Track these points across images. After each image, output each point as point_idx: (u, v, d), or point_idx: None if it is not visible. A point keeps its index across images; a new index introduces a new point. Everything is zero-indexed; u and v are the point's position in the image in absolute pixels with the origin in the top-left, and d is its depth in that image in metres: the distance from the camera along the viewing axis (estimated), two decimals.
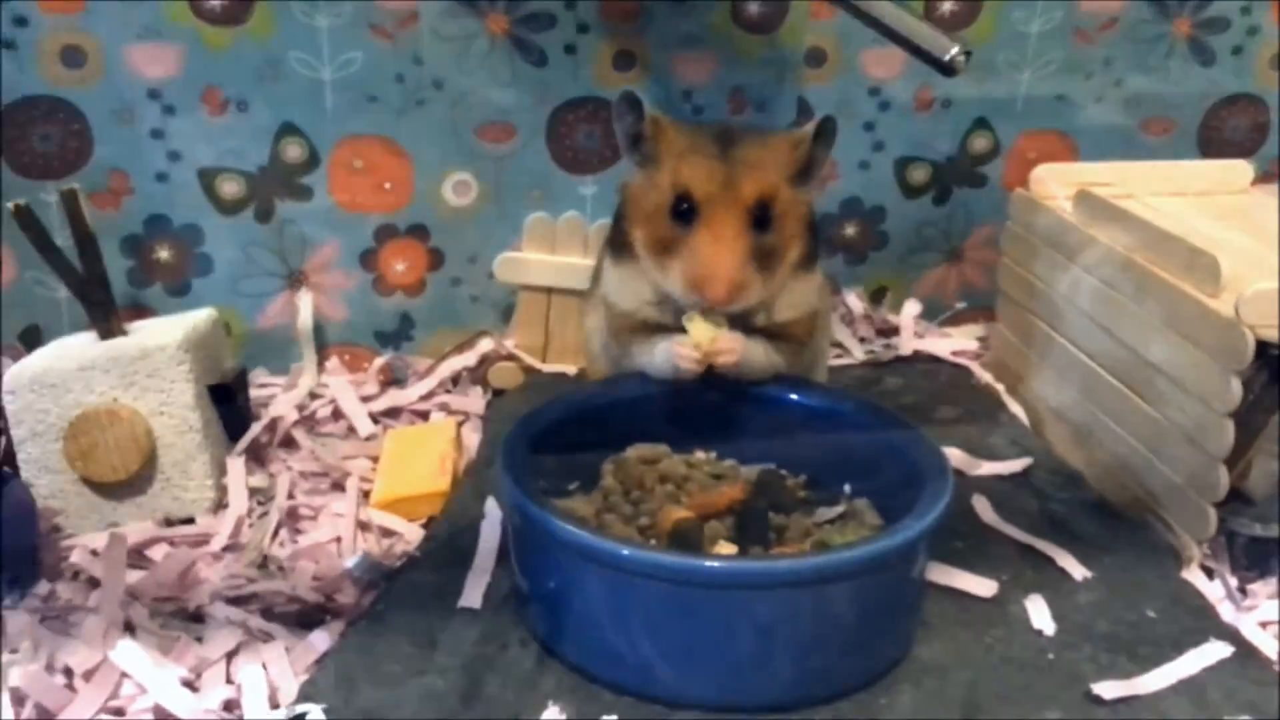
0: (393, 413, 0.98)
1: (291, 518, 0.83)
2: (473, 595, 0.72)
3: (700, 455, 0.79)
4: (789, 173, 0.76)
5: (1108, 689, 0.65)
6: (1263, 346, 0.74)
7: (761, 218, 0.74)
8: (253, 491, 0.85)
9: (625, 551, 0.60)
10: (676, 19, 1.02)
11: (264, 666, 0.67)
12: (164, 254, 1.02)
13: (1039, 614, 0.71)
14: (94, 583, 0.74)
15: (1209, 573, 0.77)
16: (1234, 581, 0.76)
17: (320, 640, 0.69)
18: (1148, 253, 0.83)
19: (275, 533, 0.80)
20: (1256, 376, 0.78)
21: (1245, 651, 0.69)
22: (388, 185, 1.03)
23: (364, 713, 0.62)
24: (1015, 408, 0.97)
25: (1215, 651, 0.68)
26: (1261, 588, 0.76)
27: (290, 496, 0.85)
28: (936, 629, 0.70)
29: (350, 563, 0.72)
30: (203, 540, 0.80)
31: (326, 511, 0.83)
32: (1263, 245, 0.84)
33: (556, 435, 0.74)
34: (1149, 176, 0.97)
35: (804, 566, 0.61)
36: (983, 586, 0.73)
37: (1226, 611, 0.73)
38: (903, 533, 0.63)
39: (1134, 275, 0.83)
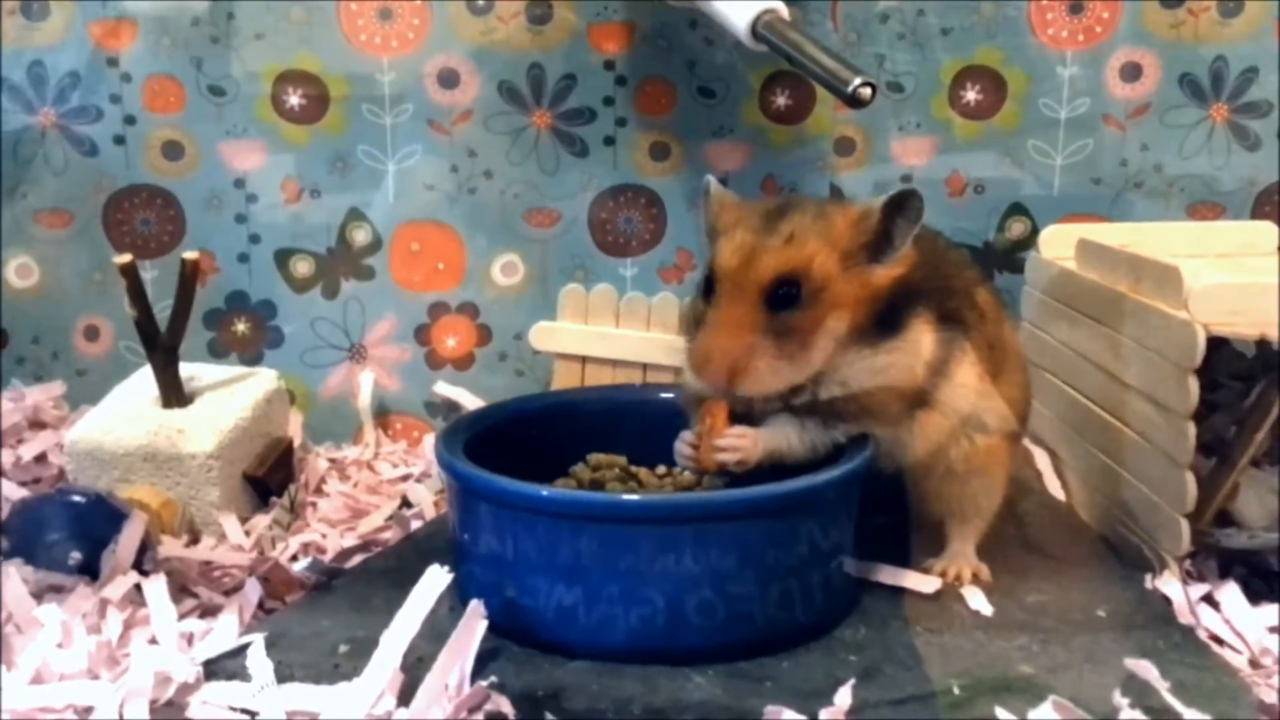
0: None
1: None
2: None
3: (661, 469, 0.81)
4: (846, 247, 0.71)
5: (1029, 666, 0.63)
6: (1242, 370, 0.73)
7: (785, 296, 0.69)
8: (273, 525, 0.92)
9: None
10: (707, 111, 1.10)
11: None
12: (241, 327, 1.13)
13: (978, 602, 0.70)
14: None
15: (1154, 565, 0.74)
16: (1204, 588, 0.73)
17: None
18: (1126, 280, 0.83)
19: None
20: (1237, 400, 0.77)
21: (1193, 643, 0.65)
22: (441, 266, 1.12)
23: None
24: None
25: (1158, 642, 0.65)
26: (1227, 596, 0.72)
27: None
28: (869, 617, 0.70)
29: (302, 565, 0.76)
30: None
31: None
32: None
33: (517, 436, 0.78)
34: (1168, 237, 0.97)
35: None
36: (926, 584, 0.72)
37: (1186, 614, 0.70)
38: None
39: (1113, 303, 0.83)
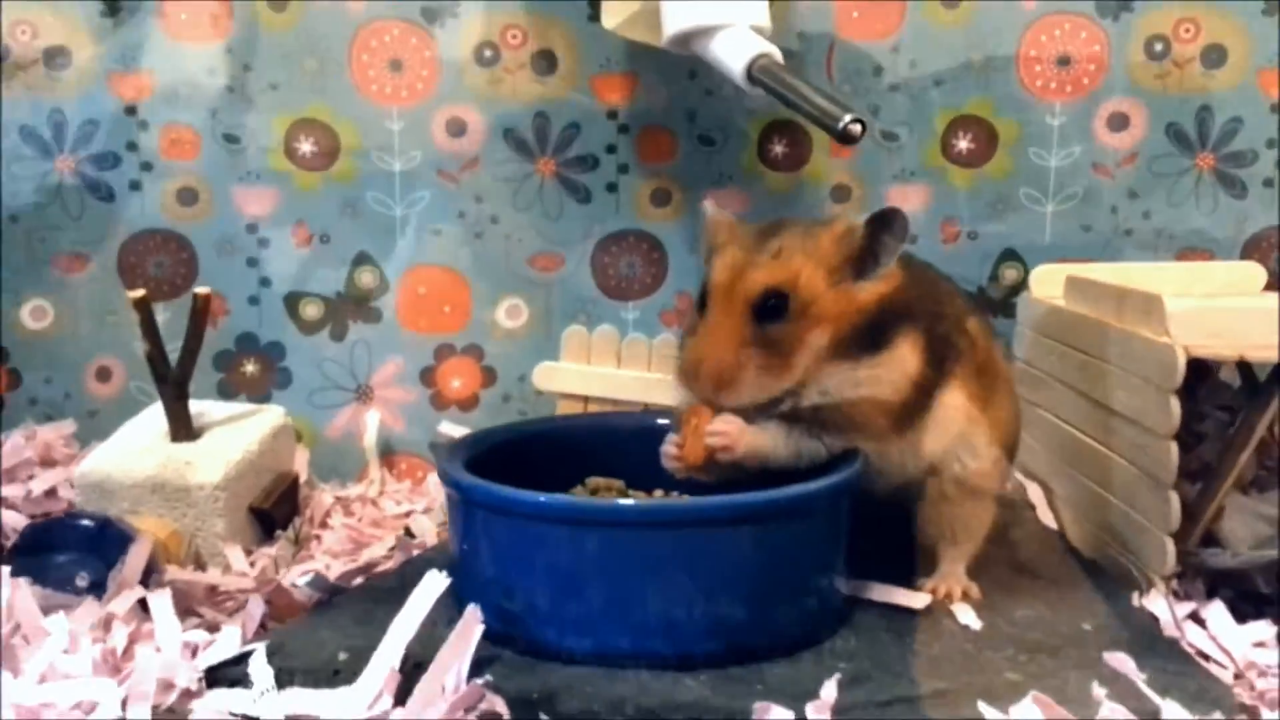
0: None
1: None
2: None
3: (659, 493, 0.83)
4: (831, 263, 0.73)
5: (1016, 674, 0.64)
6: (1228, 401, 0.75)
7: (772, 309, 0.72)
8: (277, 556, 0.93)
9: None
10: (707, 158, 1.13)
11: None
12: (251, 368, 1.15)
13: (967, 617, 0.71)
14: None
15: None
16: (1191, 606, 0.74)
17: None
18: (1112, 312, 0.85)
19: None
20: (1223, 430, 0.79)
21: (1177, 652, 0.66)
22: (447, 309, 1.15)
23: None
24: None
25: (1142, 651, 0.66)
26: (1213, 613, 0.73)
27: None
28: (860, 630, 0.71)
29: (304, 580, 0.77)
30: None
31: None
32: None
33: (517, 459, 0.79)
34: (1156, 277, 0.99)
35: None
36: (916, 600, 0.73)
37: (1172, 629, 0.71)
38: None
39: (1099, 333, 0.85)
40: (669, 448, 0.75)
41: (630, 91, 1.12)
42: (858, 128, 0.82)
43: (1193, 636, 0.72)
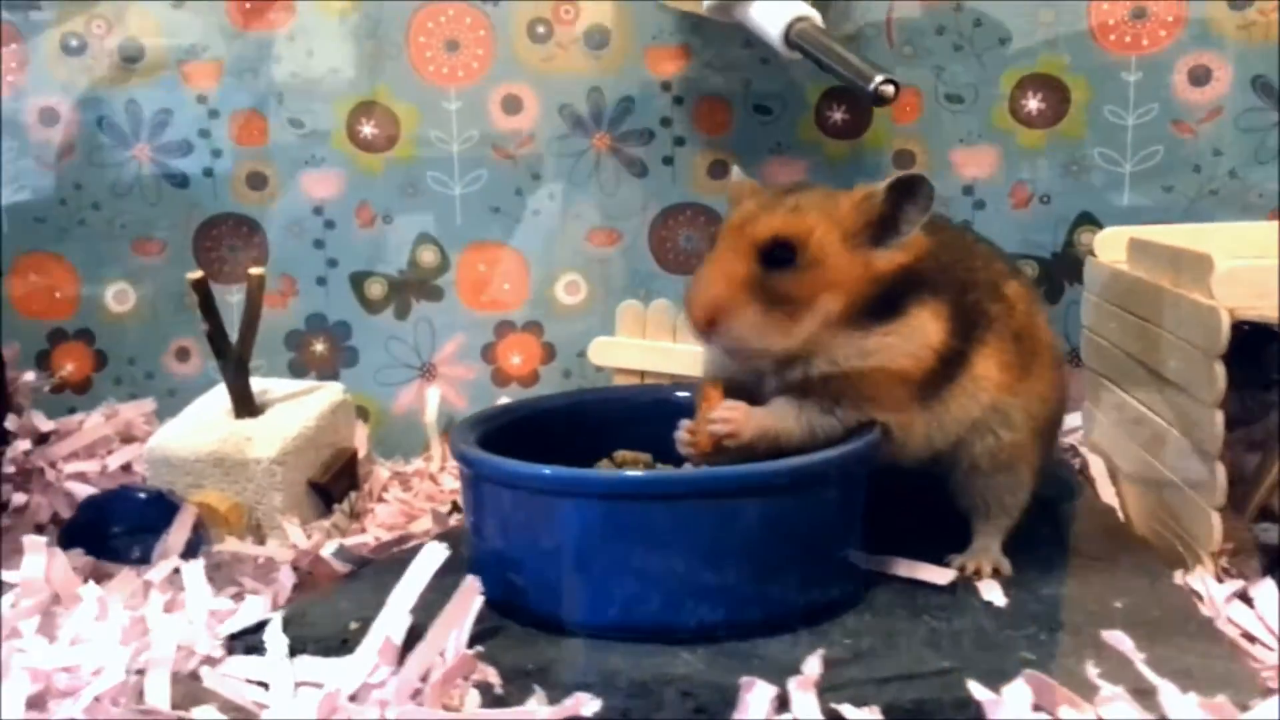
0: None
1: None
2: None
3: (688, 466, 0.81)
4: (848, 226, 0.70)
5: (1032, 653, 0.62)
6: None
7: (780, 257, 0.69)
8: (331, 529, 0.95)
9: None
10: (764, 128, 1.11)
11: None
12: (319, 347, 1.18)
13: (992, 594, 0.68)
14: None
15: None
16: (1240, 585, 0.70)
17: None
18: (1169, 275, 0.81)
19: None
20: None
21: (1208, 633, 0.63)
22: (507, 286, 1.15)
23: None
24: None
25: (1171, 631, 0.63)
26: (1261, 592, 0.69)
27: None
28: (876, 607, 0.69)
29: (330, 551, 0.79)
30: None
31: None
32: None
33: (541, 433, 0.79)
34: (1233, 238, 0.93)
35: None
36: (940, 575, 0.71)
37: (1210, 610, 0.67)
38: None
39: (1154, 298, 0.81)
40: (682, 434, 0.73)
41: (684, 62, 1.11)
42: (890, 89, 0.80)
43: (1239, 617, 0.68)
